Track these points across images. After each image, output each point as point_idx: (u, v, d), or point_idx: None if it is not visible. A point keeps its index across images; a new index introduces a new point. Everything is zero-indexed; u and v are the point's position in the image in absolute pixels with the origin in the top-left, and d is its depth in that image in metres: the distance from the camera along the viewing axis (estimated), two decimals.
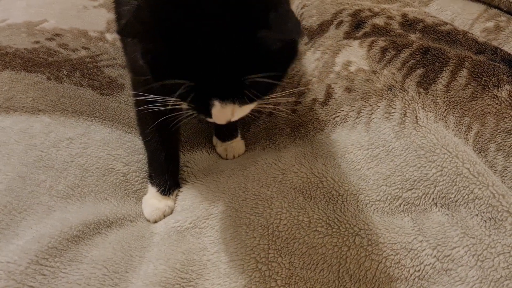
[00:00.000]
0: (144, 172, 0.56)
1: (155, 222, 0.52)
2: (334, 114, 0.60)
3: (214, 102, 0.38)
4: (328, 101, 0.62)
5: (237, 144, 0.61)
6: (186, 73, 0.37)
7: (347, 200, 0.51)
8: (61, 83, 0.63)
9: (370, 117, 0.58)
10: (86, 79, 0.65)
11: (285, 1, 0.43)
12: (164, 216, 0.52)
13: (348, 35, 0.71)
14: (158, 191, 0.53)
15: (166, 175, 0.54)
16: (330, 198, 0.51)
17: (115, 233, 0.48)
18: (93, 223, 0.47)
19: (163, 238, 0.48)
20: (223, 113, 0.39)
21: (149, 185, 0.54)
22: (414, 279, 0.45)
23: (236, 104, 0.39)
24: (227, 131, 0.61)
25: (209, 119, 0.40)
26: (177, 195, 0.55)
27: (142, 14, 0.38)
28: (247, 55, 0.36)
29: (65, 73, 0.64)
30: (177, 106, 0.40)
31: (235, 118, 0.41)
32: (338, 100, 0.61)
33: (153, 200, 0.53)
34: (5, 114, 0.56)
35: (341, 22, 0.73)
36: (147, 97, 0.42)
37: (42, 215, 0.47)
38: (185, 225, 0.49)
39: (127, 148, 0.58)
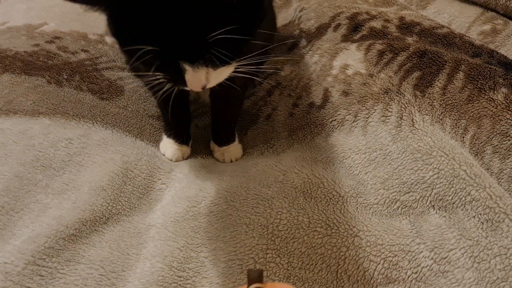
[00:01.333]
0: (142, 161, 0.56)
1: (177, 161, 0.58)
2: (331, 118, 0.61)
3: (184, 66, 0.37)
4: (325, 105, 0.62)
5: (235, 149, 0.62)
6: (148, 37, 0.35)
7: (347, 201, 0.51)
8: (61, 87, 0.63)
9: (367, 121, 0.58)
10: (86, 83, 0.65)
11: None
12: (183, 158, 0.59)
13: (346, 38, 0.71)
14: (175, 142, 0.59)
15: (181, 130, 0.59)
16: (331, 198, 0.51)
17: (112, 231, 0.47)
18: (89, 220, 0.47)
19: (159, 231, 0.48)
20: (197, 78, 0.38)
21: (165, 137, 0.60)
22: (412, 280, 0.45)
23: (209, 67, 0.38)
24: (224, 135, 0.61)
25: (185, 88, 0.39)
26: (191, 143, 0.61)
27: None
28: (206, 10, 0.35)
29: (65, 77, 0.64)
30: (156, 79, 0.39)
31: (211, 83, 0.40)
32: (335, 104, 0.61)
33: (172, 145, 0.59)
34: (5, 117, 0.56)
35: (338, 25, 0.74)
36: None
37: (38, 213, 0.47)
38: (186, 217, 0.49)
39: (127, 145, 0.58)
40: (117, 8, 0.36)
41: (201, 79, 0.38)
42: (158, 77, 0.40)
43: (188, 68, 0.37)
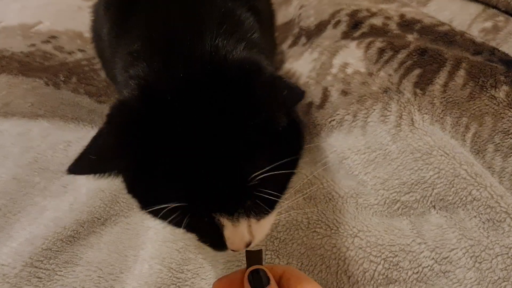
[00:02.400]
0: None
1: None
2: (330, 117, 0.60)
3: (221, 221, 0.30)
4: (324, 105, 0.62)
5: None
6: (173, 192, 0.29)
7: (347, 202, 0.51)
8: (59, 89, 0.62)
9: (366, 121, 0.58)
10: (83, 85, 0.64)
11: (267, 63, 0.35)
12: None
13: (346, 35, 0.71)
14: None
15: None
16: (330, 199, 0.51)
17: (110, 232, 0.47)
18: (87, 221, 0.47)
19: (157, 233, 0.47)
20: (239, 234, 0.30)
21: None
22: (412, 281, 0.44)
23: (251, 217, 0.31)
24: None
25: (224, 251, 0.32)
26: None
27: (104, 145, 0.30)
28: (247, 143, 0.29)
29: (62, 78, 0.64)
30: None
31: (257, 239, 0.32)
32: (334, 104, 0.61)
33: None
34: (3, 119, 0.56)
35: (338, 22, 0.73)
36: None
37: (35, 215, 0.47)
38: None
39: None
40: (134, 165, 0.30)
41: (244, 235, 0.31)
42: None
43: (226, 222, 0.30)
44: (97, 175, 0.31)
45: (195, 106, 0.30)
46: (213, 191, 0.29)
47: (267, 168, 0.28)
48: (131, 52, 0.36)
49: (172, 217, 0.29)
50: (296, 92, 0.31)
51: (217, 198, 0.29)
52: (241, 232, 0.30)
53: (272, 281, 0.32)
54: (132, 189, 0.33)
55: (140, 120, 0.30)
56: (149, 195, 0.31)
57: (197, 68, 0.31)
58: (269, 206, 0.32)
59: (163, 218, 0.30)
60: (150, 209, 0.30)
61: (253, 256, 0.32)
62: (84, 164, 0.29)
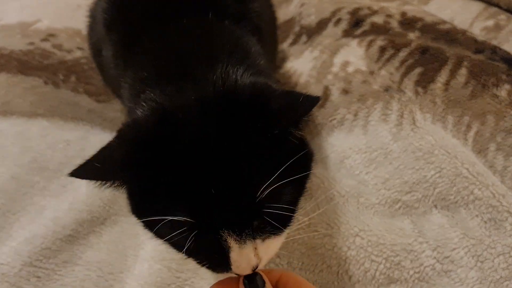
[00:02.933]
0: None
1: None
2: (330, 116, 0.60)
3: (228, 242, 0.28)
4: (325, 104, 0.61)
5: None
6: (179, 209, 0.27)
7: (348, 201, 0.50)
8: (59, 88, 0.62)
9: (367, 120, 0.57)
10: (82, 84, 0.64)
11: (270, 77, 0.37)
12: None
13: (347, 33, 0.70)
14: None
15: None
16: (331, 198, 0.50)
17: (109, 232, 0.47)
18: (87, 221, 0.47)
19: None
20: (245, 256, 0.29)
21: None
22: (414, 280, 0.44)
23: (257, 239, 0.29)
24: None
25: (226, 272, 0.31)
26: None
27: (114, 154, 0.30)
28: (257, 159, 0.28)
29: (61, 77, 0.64)
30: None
31: (263, 262, 0.31)
32: (334, 103, 0.60)
33: None
34: (2, 117, 0.56)
35: (339, 20, 0.73)
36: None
37: (35, 214, 0.47)
38: None
39: None
40: (140, 179, 0.30)
41: (250, 257, 0.29)
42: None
43: (233, 244, 0.28)
44: (98, 182, 0.30)
45: (206, 123, 0.30)
46: (222, 206, 0.28)
47: (277, 182, 0.28)
48: (142, 79, 0.37)
49: (175, 233, 0.28)
50: (311, 97, 0.31)
51: (226, 213, 0.28)
52: (247, 255, 0.29)
53: (268, 285, 0.31)
54: (135, 204, 0.32)
55: (150, 137, 0.30)
56: (152, 210, 0.30)
57: (210, 91, 0.32)
58: (279, 224, 0.30)
59: (164, 232, 0.29)
60: (156, 225, 0.29)
61: None
62: (87, 170, 0.30)
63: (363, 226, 0.47)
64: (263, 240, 0.30)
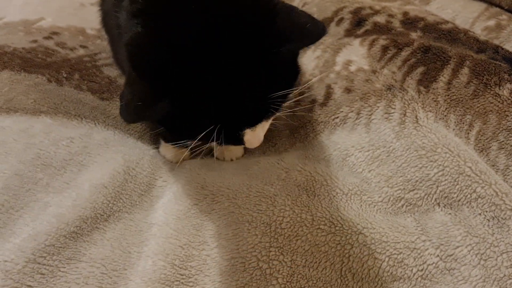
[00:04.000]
0: (144, 160, 0.55)
1: (177, 162, 0.56)
2: (333, 115, 0.60)
3: (244, 130, 0.37)
4: (328, 102, 0.61)
5: (236, 147, 0.61)
6: (209, 117, 0.35)
7: (351, 199, 0.50)
8: (62, 85, 0.62)
9: (369, 118, 0.58)
10: (86, 81, 0.64)
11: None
12: (183, 159, 0.57)
13: (349, 33, 0.71)
14: (174, 146, 0.57)
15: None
16: (334, 196, 0.50)
17: (113, 228, 0.47)
18: (90, 217, 0.47)
19: (161, 229, 0.47)
20: (256, 136, 0.38)
21: (163, 142, 0.58)
22: (417, 278, 0.44)
23: (263, 122, 0.39)
24: None
25: (240, 146, 0.41)
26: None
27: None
28: (270, 72, 0.34)
29: (65, 75, 0.64)
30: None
31: (263, 135, 0.41)
32: (337, 101, 0.61)
33: (172, 148, 0.57)
34: (5, 115, 0.56)
35: (341, 19, 0.73)
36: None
37: (38, 211, 0.47)
38: (188, 214, 0.48)
39: (129, 146, 0.57)
40: (176, 103, 0.35)
41: (260, 136, 0.39)
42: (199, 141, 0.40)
43: (247, 131, 0.38)
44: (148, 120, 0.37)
45: (214, 37, 0.33)
46: (243, 112, 0.35)
47: (283, 92, 0.34)
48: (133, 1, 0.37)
49: (204, 137, 0.35)
50: (319, 26, 0.36)
51: (246, 116, 0.36)
52: (258, 135, 0.38)
53: None
54: (173, 127, 0.38)
55: (161, 57, 0.33)
56: (191, 126, 0.36)
57: (213, 3, 0.34)
58: (275, 110, 0.39)
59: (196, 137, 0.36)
60: (192, 138, 0.37)
61: None
62: (136, 112, 0.34)
63: (366, 224, 0.48)
64: (267, 120, 0.40)
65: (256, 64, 0.34)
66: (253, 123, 0.37)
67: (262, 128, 0.39)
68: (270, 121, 0.41)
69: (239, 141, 0.38)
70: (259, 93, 0.35)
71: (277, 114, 0.40)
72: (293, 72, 0.38)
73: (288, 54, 0.35)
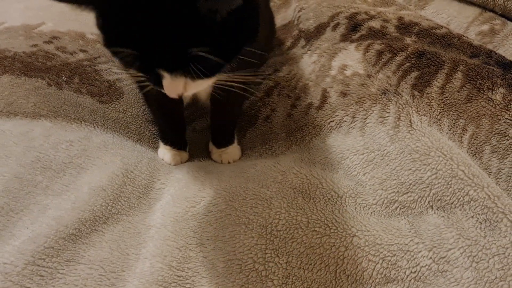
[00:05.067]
0: (142, 163, 0.56)
1: (175, 165, 0.58)
2: (329, 118, 0.61)
3: (162, 74, 0.37)
4: (323, 106, 0.62)
5: (233, 150, 0.62)
6: (130, 40, 0.35)
7: (345, 202, 0.51)
8: (61, 89, 0.63)
9: (364, 122, 0.58)
10: (85, 85, 0.65)
11: None
12: (182, 163, 0.60)
13: (345, 38, 0.72)
14: (173, 148, 0.59)
15: (177, 137, 0.60)
16: (329, 199, 0.51)
17: (112, 231, 0.47)
18: (89, 220, 0.47)
19: (158, 231, 0.48)
20: (175, 86, 0.38)
21: (162, 144, 0.60)
22: (410, 280, 0.45)
23: (188, 78, 0.38)
24: (224, 137, 0.61)
25: (162, 90, 0.39)
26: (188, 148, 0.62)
27: None
28: (188, 26, 0.34)
29: (64, 79, 0.64)
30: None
31: (188, 92, 0.40)
32: (333, 105, 0.62)
33: (170, 151, 0.59)
34: (5, 118, 0.56)
35: (337, 24, 0.74)
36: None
37: (37, 214, 0.47)
38: (185, 217, 0.49)
39: (128, 149, 0.58)
40: (103, 9, 0.37)
41: (178, 88, 0.38)
42: (140, 76, 0.40)
43: (166, 75, 0.37)
44: (72, 4, 0.37)
45: None
46: (160, 51, 0.35)
47: (201, 50, 0.33)
48: None
49: (126, 58, 0.36)
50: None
51: (162, 57, 0.35)
52: (176, 86, 0.38)
53: None
54: (102, 25, 0.38)
55: None
56: (112, 35, 0.37)
57: None
58: (203, 75, 0.37)
59: (117, 56, 0.37)
60: (111, 49, 0.37)
61: None
62: None
63: (360, 226, 0.48)
64: (193, 80, 0.38)
65: (174, 9, 0.33)
66: (168, 68, 0.36)
67: (187, 83, 0.38)
68: (202, 82, 0.39)
69: (159, 82, 0.38)
70: (172, 40, 0.34)
71: (214, 78, 0.39)
72: (222, 37, 0.36)
73: (211, 13, 0.34)
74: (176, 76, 0.37)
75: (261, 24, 0.42)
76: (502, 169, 0.53)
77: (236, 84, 0.42)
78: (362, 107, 0.60)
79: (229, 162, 0.61)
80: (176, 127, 0.61)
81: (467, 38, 0.70)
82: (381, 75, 0.64)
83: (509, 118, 0.56)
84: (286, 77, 0.70)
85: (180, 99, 0.56)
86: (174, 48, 0.35)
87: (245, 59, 0.42)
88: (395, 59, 0.65)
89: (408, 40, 0.69)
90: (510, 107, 0.57)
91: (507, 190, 0.51)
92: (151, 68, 0.37)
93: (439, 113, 0.59)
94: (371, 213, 0.51)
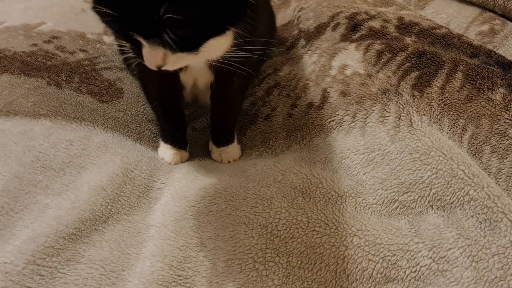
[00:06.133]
0: (142, 162, 0.56)
1: (176, 164, 0.59)
2: (329, 118, 0.61)
3: (140, 40, 0.37)
4: (324, 105, 0.62)
5: (233, 149, 0.62)
6: (110, 1, 0.35)
7: (346, 201, 0.51)
8: (61, 88, 0.63)
9: (365, 121, 0.58)
10: (85, 84, 0.65)
11: None
12: (182, 162, 0.59)
13: (345, 38, 0.72)
14: (173, 147, 0.59)
15: (177, 135, 0.59)
16: (330, 198, 0.51)
17: (112, 230, 0.47)
18: (89, 219, 0.47)
19: (159, 231, 0.48)
20: (153, 56, 0.37)
21: (162, 142, 0.60)
22: (410, 279, 0.45)
23: (167, 49, 0.37)
24: (224, 136, 0.61)
25: (143, 62, 0.39)
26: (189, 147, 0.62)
27: None
28: None
29: (64, 78, 0.64)
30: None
31: (169, 66, 0.39)
32: (333, 104, 0.62)
33: (171, 150, 0.59)
34: (5, 118, 0.56)
35: (337, 24, 0.74)
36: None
37: (38, 213, 0.47)
38: (185, 216, 0.49)
39: (127, 148, 0.58)
40: None
41: (157, 58, 0.38)
42: (126, 46, 0.40)
43: (144, 43, 0.37)
44: None
45: None
46: (133, 13, 0.35)
47: (175, 15, 0.33)
48: None
49: (107, 20, 0.36)
50: None
51: (136, 20, 0.35)
52: (155, 56, 0.37)
53: None
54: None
55: None
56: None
57: None
58: (183, 47, 0.37)
59: (101, 18, 0.37)
60: (94, 8, 0.36)
61: None
62: None
63: (360, 226, 0.48)
64: (174, 52, 0.38)
65: None
66: (143, 33, 0.36)
67: (166, 55, 0.37)
68: (182, 57, 0.38)
69: (140, 52, 0.38)
70: (150, 4, 0.33)
71: (198, 53, 0.38)
72: (201, 5, 0.35)
73: None
74: (154, 45, 0.37)
75: (261, 16, 0.41)
76: (502, 169, 0.53)
77: (238, 70, 0.41)
78: (362, 107, 0.60)
79: (229, 162, 0.61)
80: (176, 125, 0.61)
81: (467, 38, 0.70)
82: (381, 75, 0.64)
83: (509, 118, 0.56)
84: (286, 77, 0.70)
85: (179, 91, 0.56)
86: (146, 9, 0.34)
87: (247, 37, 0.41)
88: (395, 59, 0.65)
89: (408, 40, 0.69)
90: (510, 107, 0.57)
91: (507, 190, 0.52)
92: (127, 31, 0.37)
93: (439, 113, 0.59)
94: (371, 212, 0.51)
